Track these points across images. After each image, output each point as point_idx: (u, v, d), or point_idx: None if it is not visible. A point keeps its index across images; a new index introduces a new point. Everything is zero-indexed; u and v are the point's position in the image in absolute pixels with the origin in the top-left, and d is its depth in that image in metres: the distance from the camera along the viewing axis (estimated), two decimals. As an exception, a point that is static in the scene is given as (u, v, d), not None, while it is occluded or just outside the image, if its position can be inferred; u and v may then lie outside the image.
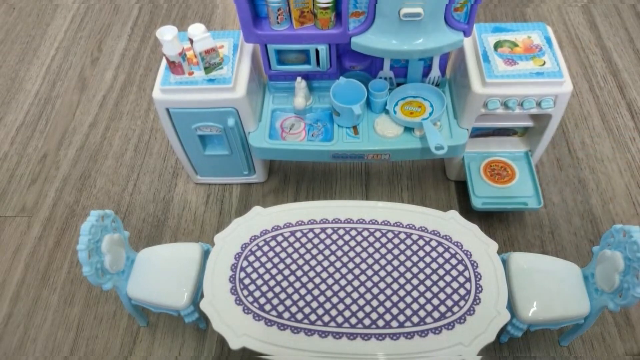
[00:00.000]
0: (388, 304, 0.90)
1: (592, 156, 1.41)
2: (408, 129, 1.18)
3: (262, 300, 0.90)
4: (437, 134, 1.12)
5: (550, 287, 0.94)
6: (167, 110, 1.13)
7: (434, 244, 0.96)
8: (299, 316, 0.89)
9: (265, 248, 0.97)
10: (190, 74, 1.10)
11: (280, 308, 0.90)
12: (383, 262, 0.94)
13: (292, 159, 1.24)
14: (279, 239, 0.98)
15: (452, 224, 0.99)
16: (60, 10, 1.90)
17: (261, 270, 0.94)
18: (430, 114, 1.18)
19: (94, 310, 1.19)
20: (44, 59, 1.74)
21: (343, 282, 0.92)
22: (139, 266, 1.00)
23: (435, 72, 1.20)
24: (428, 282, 0.92)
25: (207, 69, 1.09)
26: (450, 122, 1.19)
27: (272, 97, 1.26)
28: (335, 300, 0.90)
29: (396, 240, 0.97)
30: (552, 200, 1.32)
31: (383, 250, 0.95)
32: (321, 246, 0.97)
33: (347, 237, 0.98)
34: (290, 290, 0.92)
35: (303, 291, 0.91)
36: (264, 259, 0.95)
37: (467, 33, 1.05)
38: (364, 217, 1.00)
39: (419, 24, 1.01)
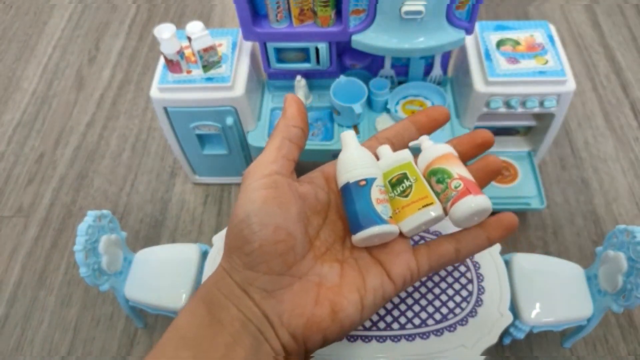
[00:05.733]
0: (389, 305, 0.88)
1: (595, 156, 1.39)
2: (409, 128, 1.17)
3: (261, 302, 0.89)
4: (438, 134, 1.11)
5: (554, 289, 0.93)
6: (165, 109, 1.12)
7: (435, 244, 0.95)
8: (299, 318, 0.87)
9: (265, 249, 0.95)
10: (189, 72, 1.09)
11: (280, 310, 0.88)
12: (384, 263, 0.93)
13: (291, 158, 1.23)
14: (279, 239, 0.96)
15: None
16: (58, 9, 1.89)
17: (260, 272, 0.93)
18: (432, 113, 1.16)
19: (91, 311, 1.18)
20: (41, 57, 1.73)
21: (343, 283, 0.91)
22: (136, 267, 0.99)
23: (436, 71, 1.19)
24: (429, 284, 0.90)
25: (206, 67, 1.08)
26: (452, 121, 1.18)
27: (272, 95, 1.25)
28: (335, 302, 0.89)
29: (397, 241, 0.95)
30: (554, 201, 1.31)
31: (384, 251, 0.94)
32: (321, 247, 0.95)
33: (347, 238, 0.96)
34: (289, 292, 0.90)
35: (303, 293, 0.90)
36: (263, 260, 0.94)
37: (469, 31, 1.04)
38: (364, 217, 0.99)
39: (420, 22, 0.99)
